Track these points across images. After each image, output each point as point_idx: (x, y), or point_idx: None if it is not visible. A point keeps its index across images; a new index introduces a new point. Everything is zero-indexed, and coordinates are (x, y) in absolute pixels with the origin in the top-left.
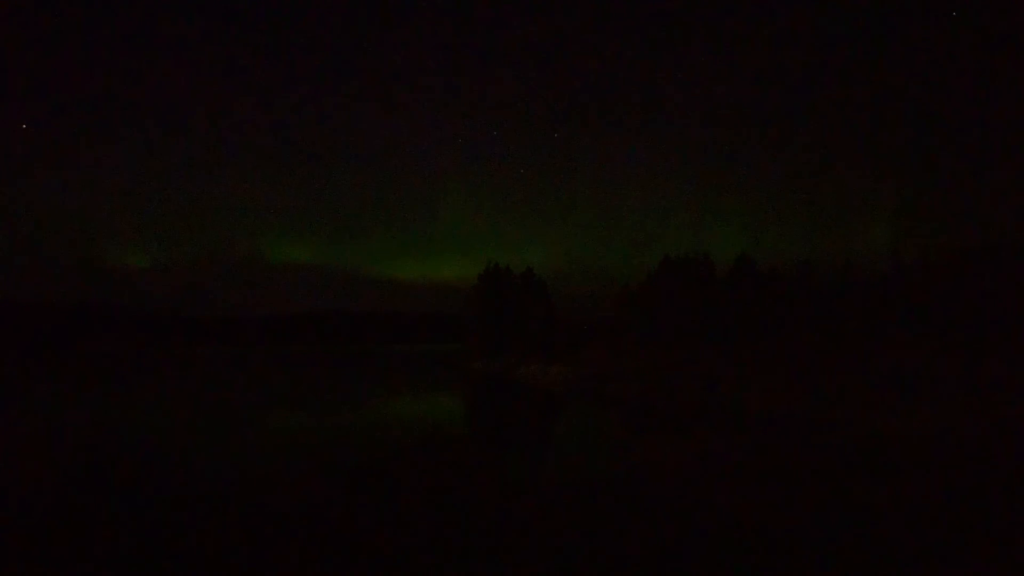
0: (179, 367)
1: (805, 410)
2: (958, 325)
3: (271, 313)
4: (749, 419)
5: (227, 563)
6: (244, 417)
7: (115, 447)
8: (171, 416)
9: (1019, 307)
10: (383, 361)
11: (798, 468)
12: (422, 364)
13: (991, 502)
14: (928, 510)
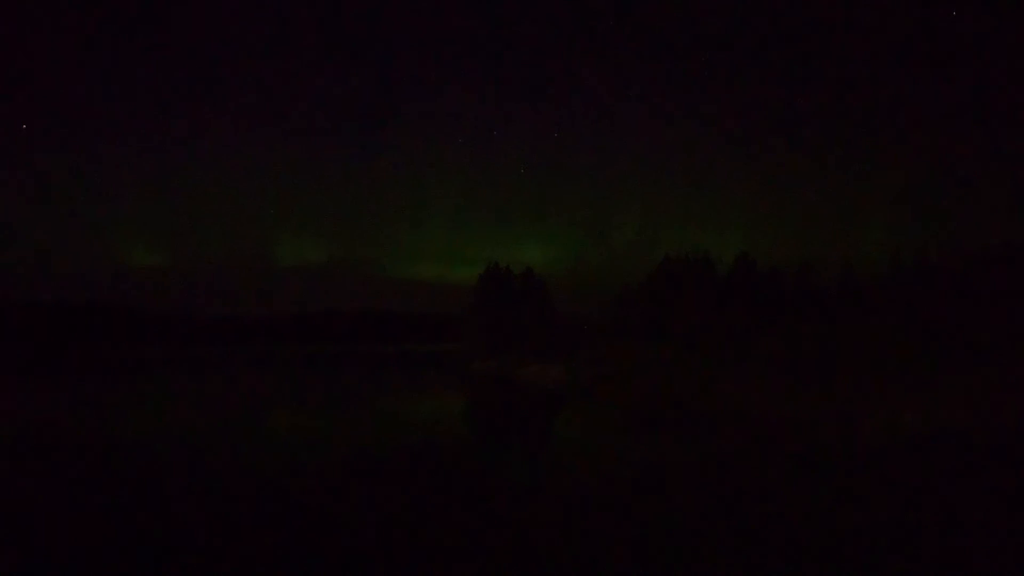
0: (188, 368)
1: (805, 410)
2: (958, 325)
3: (280, 314)
4: (749, 419)
5: (223, 560)
6: (249, 417)
7: (124, 445)
8: (180, 416)
9: (1019, 307)
10: (384, 361)
11: (798, 469)
12: (423, 364)
13: (989, 501)
14: (928, 509)
